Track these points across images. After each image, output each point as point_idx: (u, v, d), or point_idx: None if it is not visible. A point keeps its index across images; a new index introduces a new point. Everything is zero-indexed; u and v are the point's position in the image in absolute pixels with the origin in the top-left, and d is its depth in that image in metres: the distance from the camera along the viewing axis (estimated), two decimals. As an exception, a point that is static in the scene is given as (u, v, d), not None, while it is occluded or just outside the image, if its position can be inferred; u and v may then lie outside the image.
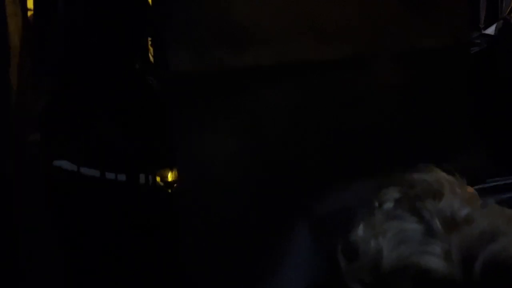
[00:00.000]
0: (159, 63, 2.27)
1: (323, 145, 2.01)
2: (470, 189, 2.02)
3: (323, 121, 2.01)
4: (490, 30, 2.63)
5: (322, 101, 2.00)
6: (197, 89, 1.69)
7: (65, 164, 2.34)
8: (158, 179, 2.75)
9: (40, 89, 2.17)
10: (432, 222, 0.88)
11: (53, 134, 2.34)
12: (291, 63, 1.85)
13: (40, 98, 2.20)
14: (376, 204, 0.95)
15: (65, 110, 2.28)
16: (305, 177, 1.93)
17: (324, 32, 1.95)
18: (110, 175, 2.41)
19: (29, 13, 2.25)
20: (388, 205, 0.94)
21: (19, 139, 2.02)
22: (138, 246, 2.41)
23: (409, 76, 2.30)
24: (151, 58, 2.43)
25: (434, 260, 0.84)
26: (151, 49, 2.45)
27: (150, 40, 2.38)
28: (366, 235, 0.89)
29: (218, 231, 1.87)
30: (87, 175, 2.35)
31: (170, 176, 2.76)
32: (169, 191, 2.59)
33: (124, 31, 2.31)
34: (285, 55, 1.84)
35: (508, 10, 2.62)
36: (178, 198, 2.09)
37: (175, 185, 2.65)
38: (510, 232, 0.87)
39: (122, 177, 2.42)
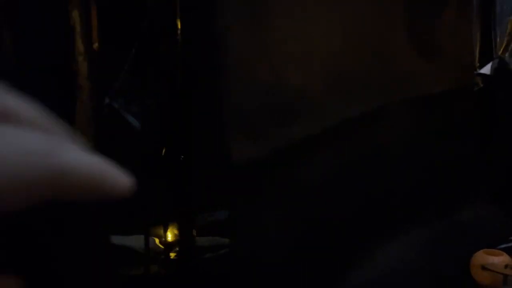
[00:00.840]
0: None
1: (359, 207, 1.99)
2: (506, 258, 1.98)
3: (357, 184, 1.98)
4: (486, 69, 2.62)
5: (355, 162, 1.97)
6: (253, 173, 1.62)
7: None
8: (156, 240, 2.61)
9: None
10: None
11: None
12: (330, 128, 1.82)
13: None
14: None
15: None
16: (347, 242, 1.91)
17: (349, 89, 1.93)
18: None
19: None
20: None
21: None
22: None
23: (423, 123, 2.30)
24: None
25: None
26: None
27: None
28: None
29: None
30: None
31: (169, 236, 2.62)
32: (172, 255, 2.45)
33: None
34: (325, 121, 1.81)
35: (502, 48, 2.61)
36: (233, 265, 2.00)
37: (176, 248, 2.51)
38: None
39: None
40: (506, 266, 1.98)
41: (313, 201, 1.79)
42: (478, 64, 2.61)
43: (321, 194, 1.83)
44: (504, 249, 2.16)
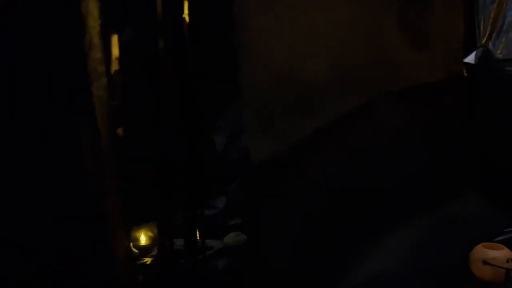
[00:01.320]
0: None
1: (358, 205, 1.92)
2: (508, 252, 1.91)
3: (353, 177, 1.90)
4: (470, 59, 2.55)
5: (351, 156, 1.89)
6: (268, 170, 1.53)
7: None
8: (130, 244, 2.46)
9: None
10: None
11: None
12: (334, 122, 1.74)
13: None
14: None
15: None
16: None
17: (350, 83, 1.85)
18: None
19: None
20: None
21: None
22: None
23: (413, 114, 2.24)
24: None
25: None
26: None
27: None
28: None
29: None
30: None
31: (143, 239, 2.46)
32: (147, 261, 2.30)
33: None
34: (331, 116, 1.73)
35: (486, 38, 2.55)
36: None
37: (153, 252, 2.35)
38: None
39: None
40: (508, 260, 1.90)
41: (317, 200, 1.71)
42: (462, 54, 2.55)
43: (323, 191, 1.74)
44: (501, 242, 2.09)
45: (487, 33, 2.56)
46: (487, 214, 2.35)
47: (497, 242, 2.09)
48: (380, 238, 2.09)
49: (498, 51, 2.55)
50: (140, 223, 2.37)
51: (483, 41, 2.55)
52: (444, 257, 2.08)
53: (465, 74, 2.53)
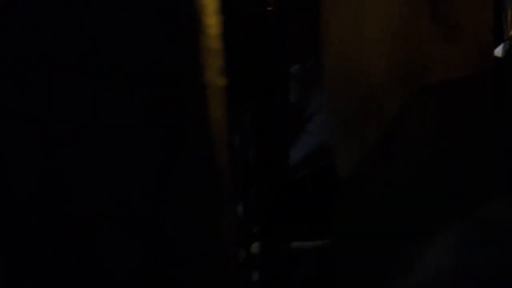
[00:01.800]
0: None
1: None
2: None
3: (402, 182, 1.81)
4: (496, 52, 2.46)
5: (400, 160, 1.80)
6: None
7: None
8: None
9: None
10: None
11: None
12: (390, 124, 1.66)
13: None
14: None
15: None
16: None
17: (399, 80, 1.75)
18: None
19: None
20: None
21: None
22: None
23: (444, 109, 2.14)
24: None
25: None
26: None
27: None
28: None
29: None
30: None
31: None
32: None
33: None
34: (389, 117, 1.64)
35: (513, 29, 2.46)
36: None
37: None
38: None
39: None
40: None
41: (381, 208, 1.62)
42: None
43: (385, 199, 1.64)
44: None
45: (514, 25, 2.47)
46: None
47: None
48: (418, 245, 2.00)
49: (525, 44, 2.47)
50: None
51: (510, 34, 2.47)
52: (488, 264, 1.99)
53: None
